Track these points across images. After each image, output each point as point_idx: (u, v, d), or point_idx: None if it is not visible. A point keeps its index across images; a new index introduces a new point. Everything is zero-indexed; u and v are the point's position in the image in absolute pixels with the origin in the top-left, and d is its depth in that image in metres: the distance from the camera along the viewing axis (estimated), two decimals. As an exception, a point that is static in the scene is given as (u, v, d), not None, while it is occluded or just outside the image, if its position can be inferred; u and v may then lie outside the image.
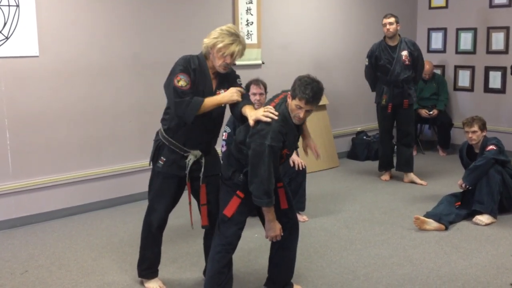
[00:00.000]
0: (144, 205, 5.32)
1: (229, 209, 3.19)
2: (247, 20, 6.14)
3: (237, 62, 6.02)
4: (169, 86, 3.19)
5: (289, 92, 3.11)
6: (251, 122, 3.03)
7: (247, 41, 6.13)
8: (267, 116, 3.01)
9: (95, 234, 4.61)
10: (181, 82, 3.16)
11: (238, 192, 3.17)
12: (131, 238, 4.48)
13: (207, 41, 3.21)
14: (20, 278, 3.78)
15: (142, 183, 5.39)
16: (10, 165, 4.71)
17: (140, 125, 5.43)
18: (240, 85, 3.35)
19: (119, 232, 4.66)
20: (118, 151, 5.33)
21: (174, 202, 3.52)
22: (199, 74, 3.24)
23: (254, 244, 4.28)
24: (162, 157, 3.36)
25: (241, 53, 3.22)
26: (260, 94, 4.89)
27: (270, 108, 3.06)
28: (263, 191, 3.00)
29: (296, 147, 3.53)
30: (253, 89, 4.89)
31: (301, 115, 3.05)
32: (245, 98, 3.27)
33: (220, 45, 3.14)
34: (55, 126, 4.93)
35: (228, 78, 3.33)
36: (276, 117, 3.02)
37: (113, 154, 5.31)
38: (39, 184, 4.88)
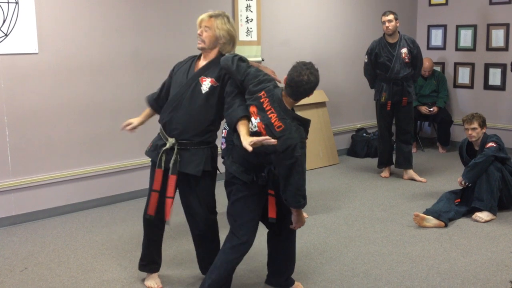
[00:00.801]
0: (143, 202, 5.32)
1: (272, 211, 3.21)
2: (247, 17, 6.13)
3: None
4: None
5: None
6: (248, 148, 2.89)
7: (247, 38, 6.15)
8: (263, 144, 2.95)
9: (94, 231, 4.62)
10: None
11: (269, 191, 3.20)
12: (131, 236, 4.48)
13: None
14: (19, 275, 3.78)
15: (141, 180, 5.41)
16: (9, 162, 4.71)
17: (139, 122, 5.41)
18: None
19: (119, 229, 4.66)
20: (117, 148, 5.33)
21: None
22: (187, 61, 3.45)
23: (254, 241, 4.27)
24: (150, 142, 3.45)
25: (207, 19, 3.30)
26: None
27: (268, 138, 2.92)
28: (302, 196, 3.07)
29: None
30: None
31: None
32: (253, 100, 3.11)
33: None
34: (55, 123, 4.93)
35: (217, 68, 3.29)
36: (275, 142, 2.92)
37: (112, 151, 5.31)
38: (39, 181, 4.88)
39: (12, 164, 4.73)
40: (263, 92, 3.05)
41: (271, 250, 3.47)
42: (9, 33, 4.56)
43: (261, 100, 3.03)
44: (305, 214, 4.86)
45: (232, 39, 3.35)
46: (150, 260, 3.60)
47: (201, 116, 3.28)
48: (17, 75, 4.67)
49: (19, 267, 3.92)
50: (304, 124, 3.06)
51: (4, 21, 4.53)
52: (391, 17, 5.88)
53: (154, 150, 3.39)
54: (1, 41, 4.53)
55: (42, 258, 4.07)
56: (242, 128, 3.03)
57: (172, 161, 3.26)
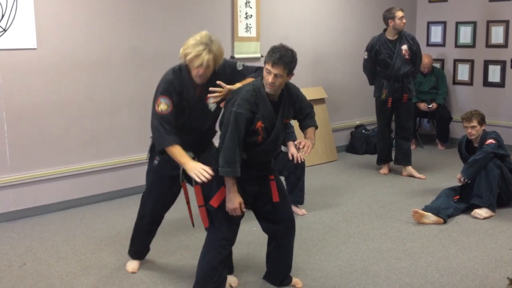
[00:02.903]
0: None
1: (216, 200, 3.14)
2: (246, 13, 6.11)
3: (236, 55, 6.08)
4: (153, 105, 3.18)
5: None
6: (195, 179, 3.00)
7: (246, 34, 6.13)
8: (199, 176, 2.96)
9: (93, 227, 4.61)
10: (161, 106, 3.13)
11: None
12: (129, 231, 4.43)
13: (180, 51, 3.17)
14: (18, 271, 3.78)
15: (140, 177, 5.38)
16: (8, 158, 4.70)
17: (138, 118, 5.41)
18: (239, 71, 3.30)
19: (117, 225, 4.66)
20: (116, 144, 5.32)
21: (167, 201, 3.55)
22: (181, 91, 3.20)
23: (252, 237, 4.28)
24: (157, 156, 3.37)
25: (212, 62, 3.12)
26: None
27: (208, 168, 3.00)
28: (225, 160, 2.96)
29: (283, 133, 3.32)
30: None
31: (270, 79, 2.99)
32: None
33: (189, 56, 3.10)
34: (53, 119, 4.91)
35: (220, 78, 3.21)
36: (209, 176, 2.96)
37: (111, 147, 5.30)
38: (38, 177, 4.87)
39: (11, 160, 4.72)
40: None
41: (269, 252, 3.49)
42: (8, 28, 4.55)
43: None
44: (304, 211, 4.90)
45: (222, 55, 3.25)
46: (145, 248, 3.81)
47: (213, 131, 3.49)
48: (15, 70, 4.66)
49: (18, 262, 3.92)
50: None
51: (2, 16, 4.51)
52: (403, 13, 5.90)
53: (165, 164, 3.33)
54: (-1, 36, 4.53)
55: (40, 254, 4.06)
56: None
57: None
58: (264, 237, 4.13)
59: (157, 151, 3.22)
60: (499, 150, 4.85)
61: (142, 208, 3.65)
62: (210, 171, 2.99)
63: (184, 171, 3.21)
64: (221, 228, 3.19)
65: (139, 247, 3.78)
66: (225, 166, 2.97)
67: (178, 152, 3.10)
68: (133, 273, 3.71)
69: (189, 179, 3.27)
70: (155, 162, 3.39)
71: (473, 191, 4.87)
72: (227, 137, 2.96)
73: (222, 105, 3.23)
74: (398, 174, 6.21)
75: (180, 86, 3.20)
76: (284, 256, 3.44)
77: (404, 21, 5.89)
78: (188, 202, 3.54)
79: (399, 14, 5.89)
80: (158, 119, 3.13)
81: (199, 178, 2.97)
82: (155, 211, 3.58)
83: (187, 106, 3.24)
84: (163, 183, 3.45)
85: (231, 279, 3.53)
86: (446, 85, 7.63)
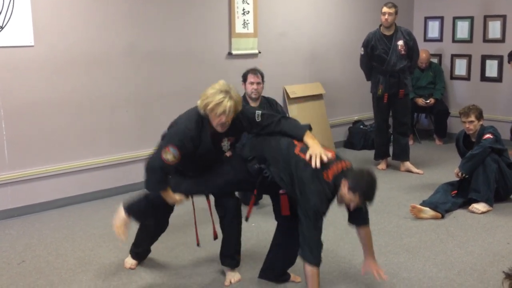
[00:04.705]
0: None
1: (285, 209, 3.28)
2: (243, 9, 6.11)
3: (234, 52, 6.08)
4: (159, 147, 3.18)
5: (346, 180, 3.02)
6: None
7: (243, 31, 6.13)
8: None
9: (92, 224, 4.62)
10: (169, 156, 3.10)
11: (280, 191, 3.23)
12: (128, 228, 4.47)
13: (199, 103, 3.15)
14: (17, 268, 3.79)
15: (138, 173, 5.38)
16: (6, 155, 4.70)
17: (136, 115, 5.41)
18: (257, 121, 3.28)
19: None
20: (114, 141, 5.32)
21: (170, 206, 3.55)
22: (199, 142, 3.20)
23: (251, 233, 4.29)
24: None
25: (234, 109, 3.11)
26: (258, 83, 4.90)
27: None
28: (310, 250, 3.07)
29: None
30: (251, 78, 4.90)
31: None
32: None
33: (211, 105, 3.07)
34: (51, 116, 4.91)
35: (235, 125, 3.25)
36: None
37: (109, 144, 5.30)
38: (36, 174, 4.87)
39: (9, 157, 4.72)
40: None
41: (277, 242, 3.49)
42: (5, 25, 4.54)
43: None
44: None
45: (241, 101, 3.24)
46: (145, 254, 3.82)
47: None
48: (13, 68, 4.65)
49: (17, 260, 3.92)
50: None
51: (-1, 13, 4.51)
52: (392, 10, 5.85)
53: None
54: (-4, 34, 4.52)
55: (39, 251, 4.07)
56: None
57: None
58: (262, 234, 4.15)
59: (149, 190, 3.30)
60: (496, 145, 4.86)
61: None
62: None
63: None
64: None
65: (142, 250, 3.77)
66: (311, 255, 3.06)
67: (168, 194, 3.26)
68: (131, 269, 3.72)
69: None
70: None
71: (470, 186, 4.88)
72: (308, 229, 3.02)
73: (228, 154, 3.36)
74: (396, 170, 6.22)
75: (199, 137, 3.19)
76: (291, 250, 3.44)
77: (387, 17, 5.84)
78: (194, 216, 3.62)
79: (384, 9, 5.89)
80: (160, 164, 3.13)
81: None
82: (164, 214, 3.61)
83: (201, 152, 3.24)
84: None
85: (232, 274, 3.54)
86: (444, 80, 7.63)
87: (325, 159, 3.01)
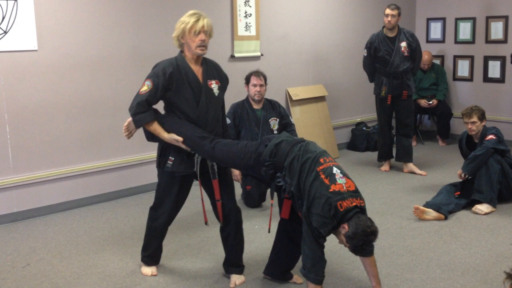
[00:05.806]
0: (144, 197, 5.35)
1: (285, 212, 3.29)
2: (246, 12, 6.13)
3: (236, 54, 6.09)
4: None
5: (347, 225, 2.99)
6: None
7: (246, 33, 6.15)
8: None
9: (96, 227, 4.63)
10: (143, 87, 3.34)
11: (285, 195, 3.21)
12: (132, 231, 4.50)
13: (174, 34, 3.32)
14: (21, 271, 3.80)
15: (142, 176, 5.43)
16: (10, 159, 4.72)
17: (139, 118, 5.42)
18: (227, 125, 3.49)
19: (120, 225, 4.68)
20: (118, 144, 5.34)
21: (182, 199, 3.58)
22: (177, 75, 3.30)
23: (254, 235, 4.30)
24: (170, 157, 3.41)
25: (210, 25, 3.28)
26: (261, 85, 4.92)
27: None
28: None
29: None
30: (254, 80, 4.92)
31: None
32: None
33: (189, 25, 3.23)
34: (55, 120, 4.94)
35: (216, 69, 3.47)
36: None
37: (113, 147, 5.32)
38: (40, 178, 4.89)
39: (13, 161, 4.74)
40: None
41: (280, 242, 3.49)
42: (8, 30, 4.57)
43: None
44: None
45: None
46: (158, 254, 3.78)
47: (219, 115, 3.49)
48: (16, 72, 4.68)
49: (21, 263, 3.94)
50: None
51: (3, 18, 4.53)
52: (395, 12, 5.87)
53: (180, 163, 3.39)
54: (0, 38, 4.54)
55: (44, 254, 4.09)
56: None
57: (210, 167, 3.38)
58: (265, 235, 4.16)
59: (136, 124, 3.46)
60: (499, 146, 4.86)
61: (155, 209, 3.59)
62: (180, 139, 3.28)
63: (200, 167, 3.36)
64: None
65: (153, 250, 3.72)
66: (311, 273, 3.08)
67: (157, 129, 3.41)
68: (154, 275, 3.68)
69: (204, 176, 3.40)
70: (169, 163, 3.41)
71: (473, 187, 4.88)
72: (311, 249, 3.05)
73: None
74: (399, 171, 6.22)
75: (177, 70, 3.31)
76: (292, 251, 3.46)
77: (390, 19, 5.87)
78: (202, 199, 3.60)
79: (386, 11, 5.92)
80: (138, 98, 3.36)
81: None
82: (172, 211, 3.57)
83: (192, 90, 3.32)
84: (177, 182, 3.47)
85: (237, 277, 3.56)
86: (446, 81, 7.63)
87: None
